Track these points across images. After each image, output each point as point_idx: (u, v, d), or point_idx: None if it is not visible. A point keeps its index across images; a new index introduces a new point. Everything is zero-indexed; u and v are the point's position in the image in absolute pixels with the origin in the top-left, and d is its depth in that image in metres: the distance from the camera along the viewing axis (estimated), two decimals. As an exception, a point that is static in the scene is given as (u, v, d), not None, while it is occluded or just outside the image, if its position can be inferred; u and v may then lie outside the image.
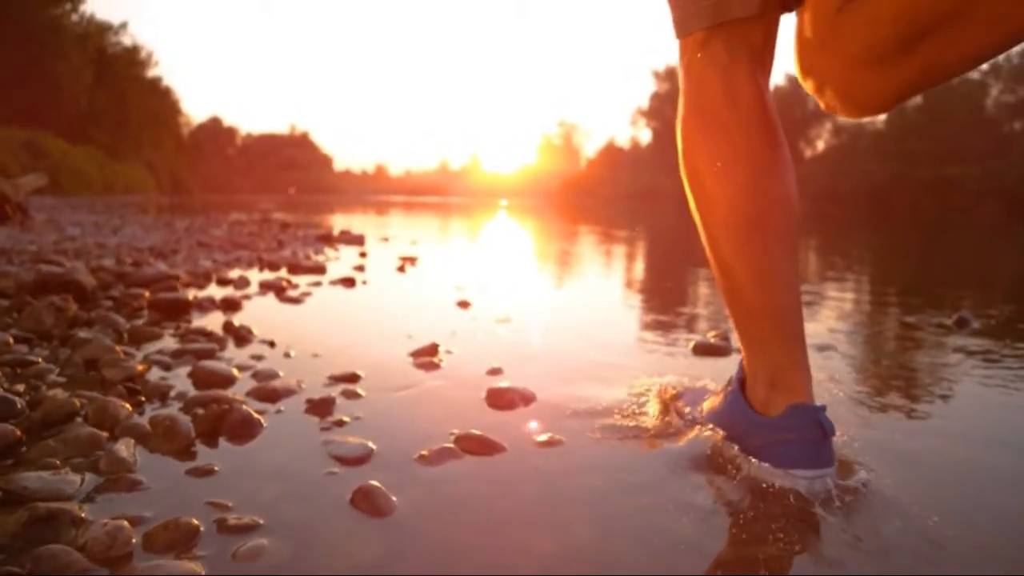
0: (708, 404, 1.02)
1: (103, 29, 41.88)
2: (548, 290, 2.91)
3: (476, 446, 0.94)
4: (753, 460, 0.85)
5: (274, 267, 3.19)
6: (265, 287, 2.46)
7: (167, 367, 1.34)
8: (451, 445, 0.94)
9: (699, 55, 0.80)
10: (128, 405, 1.05)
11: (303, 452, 0.93)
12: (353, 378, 1.28)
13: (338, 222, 8.12)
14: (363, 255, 3.92)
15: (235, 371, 1.29)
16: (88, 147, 32.01)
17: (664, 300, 2.60)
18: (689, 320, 2.07)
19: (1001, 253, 6.18)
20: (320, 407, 1.10)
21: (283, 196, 33.56)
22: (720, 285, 0.87)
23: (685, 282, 3.15)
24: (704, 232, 0.85)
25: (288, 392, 1.18)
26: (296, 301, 2.22)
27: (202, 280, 2.61)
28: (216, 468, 0.86)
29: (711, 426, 0.96)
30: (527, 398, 1.17)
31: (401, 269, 3.26)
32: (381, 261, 3.62)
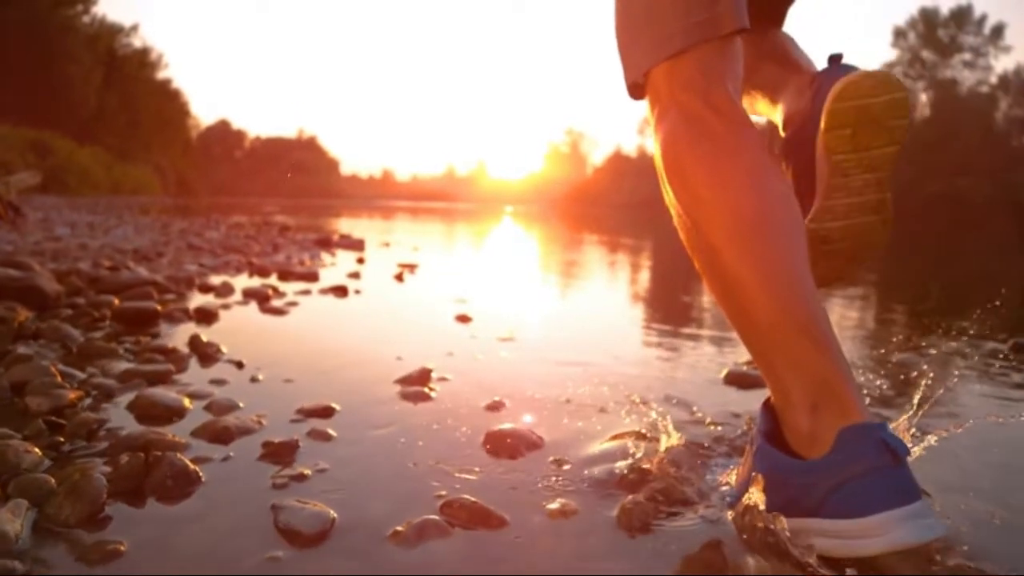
0: (735, 476, 0.81)
1: (114, 31, 42.09)
2: (555, 303, 2.70)
3: (469, 518, 0.73)
4: (812, 525, 0.64)
5: (264, 273, 2.99)
6: (248, 295, 2.26)
7: (109, 394, 1.13)
8: (436, 517, 0.73)
9: (671, 85, 0.75)
10: (37, 449, 0.85)
11: (244, 522, 0.72)
12: (326, 412, 1.08)
13: (341, 227, 7.94)
14: (360, 261, 3.72)
15: (186, 401, 1.09)
16: (95, 148, 32.05)
17: (683, 317, 2.38)
18: (715, 342, 1.86)
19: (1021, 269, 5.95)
20: (279, 453, 0.90)
21: (290, 200, 33.47)
22: (731, 311, 0.73)
23: (704, 297, 2.94)
24: (703, 253, 0.73)
25: (244, 431, 0.97)
26: (279, 312, 2.02)
27: (183, 286, 2.42)
28: (123, 547, 0.65)
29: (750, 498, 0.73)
30: (533, 444, 0.97)
31: (399, 277, 3.05)
32: (379, 268, 3.43)
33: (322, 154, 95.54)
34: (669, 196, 0.76)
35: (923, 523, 0.60)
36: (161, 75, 46.63)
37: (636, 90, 0.80)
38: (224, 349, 1.47)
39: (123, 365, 1.31)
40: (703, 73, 0.73)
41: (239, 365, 1.36)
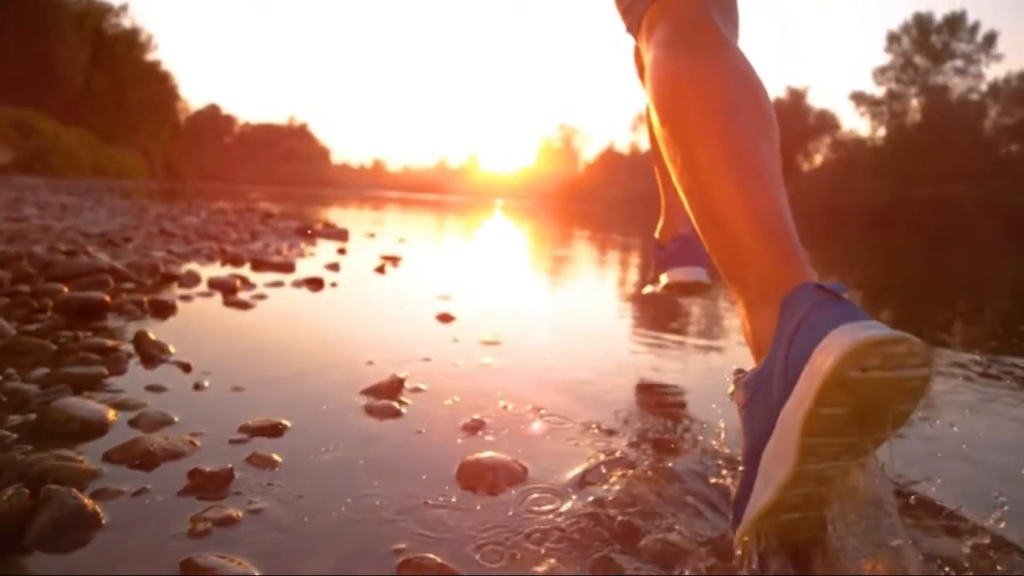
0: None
1: (103, 10, 41.29)
2: (544, 302, 2.55)
3: (431, 584, 0.58)
4: (787, 416, 0.56)
5: (237, 262, 2.82)
6: (214, 286, 2.09)
7: (24, 402, 0.97)
8: (389, 584, 0.58)
9: (661, 22, 0.80)
10: (-98, 478, 0.69)
11: (143, 586, 0.56)
12: (274, 430, 0.92)
13: (328, 216, 7.75)
14: (342, 252, 3.56)
15: (111, 413, 0.93)
16: (81, 129, 31.50)
17: (681, 321, 2.24)
18: (717, 351, 1.71)
19: (1016, 275, 5.88)
20: (208, 485, 0.74)
21: (279, 187, 32.91)
22: (702, 212, 0.72)
23: (702, 300, 2.80)
24: (680, 155, 0.73)
25: (171, 454, 0.82)
26: (244, 306, 1.85)
27: (144, 275, 2.24)
28: (-30, 628, 0.50)
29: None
30: (515, 476, 0.82)
31: (380, 270, 2.89)
32: (360, 260, 3.26)
33: (313, 142, 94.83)
34: (654, 119, 0.77)
35: (875, 327, 0.53)
36: (150, 57, 45.90)
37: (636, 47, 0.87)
38: (172, 349, 1.31)
39: (51, 366, 1.14)
40: (687, 8, 0.78)
41: (186, 368, 1.20)
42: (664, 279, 1.37)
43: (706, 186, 0.69)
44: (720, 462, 0.90)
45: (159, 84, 46.67)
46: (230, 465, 0.78)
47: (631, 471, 0.83)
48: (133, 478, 0.76)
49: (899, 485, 0.87)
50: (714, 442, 0.99)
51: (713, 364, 1.58)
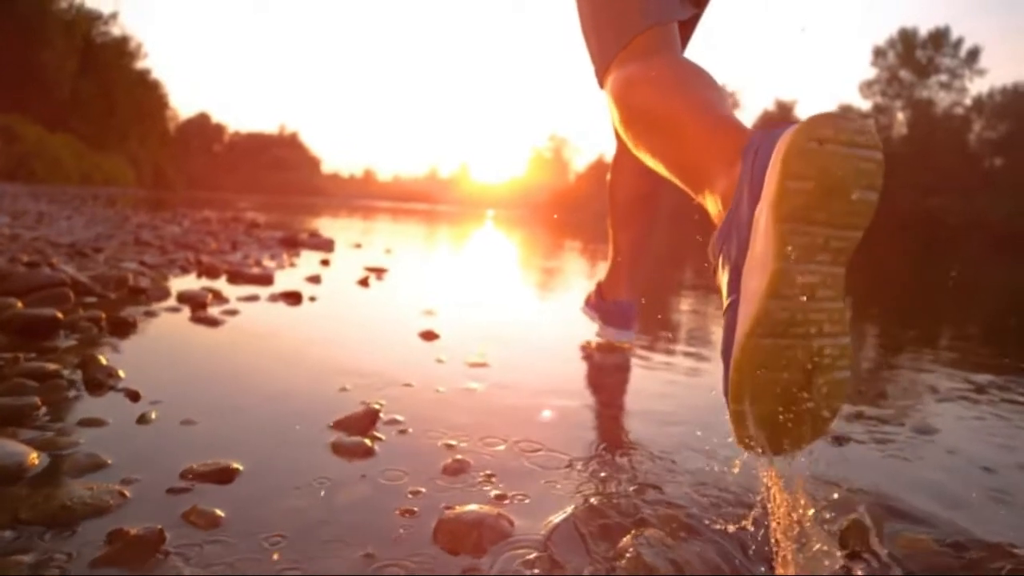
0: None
1: (92, 18, 41.06)
2: (535, 319, 2.43)
3: None
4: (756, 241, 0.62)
5: (213, 274, 2.68)
6: (183, 300, 1.96)
7: (-67, 440, 0.84)
8: None
9: (626, 61, 0.94)
10: None
11: None
12: (223, 475, 0.79)
13: (315, 226, 7.61)
14: (325, 263, 3.42)
15: (32, 456, 0.80)
16: (67, 136, 31.18)
17: (678, 336, 2.13)
18: (714, 375, 1.60)
19: (1010, 285, 5.83)
20: (129, 552, 0.61)
21: (268, 196, 32.53)
22: (664, 147, 0.83)
23: (699, 316, 2.69)
24: (641, 121, 0.87)
25: (94, 510, 0.69)
26: (213, 323, 1.72)
27: (110, 288, 2.10)
28: None
29: None
30: (501, 534, 0.70)
31: (364, 283, 2.76)
32: (344, 272, 3.13)
33: (303, 151, 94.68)
34: (617, 124, 0.91)
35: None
36: (140, 65, 45.65)
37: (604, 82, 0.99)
38: (123, 373, 1.17)
39: (-24, 395, 1.01)
40: (646, 49, 0.92)
41: (134, 397, 1.07)
42: (598, 330, 1.74)
43: (666, 122, 0.81)
44: (737, 509, 0.79)
45: (148, 92, 46.40)
46: (160, 526, 0.65)
47: (639, 528, 0.71)
48: (41, 542, 0.63)
49: (941, 535, 0.76)
50: (727, 483, 0.88)
51: (712, 384, 1.46)
